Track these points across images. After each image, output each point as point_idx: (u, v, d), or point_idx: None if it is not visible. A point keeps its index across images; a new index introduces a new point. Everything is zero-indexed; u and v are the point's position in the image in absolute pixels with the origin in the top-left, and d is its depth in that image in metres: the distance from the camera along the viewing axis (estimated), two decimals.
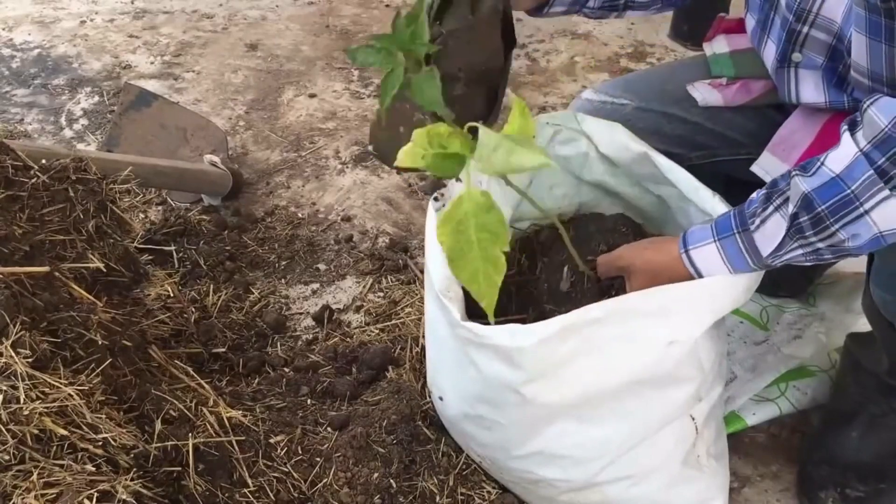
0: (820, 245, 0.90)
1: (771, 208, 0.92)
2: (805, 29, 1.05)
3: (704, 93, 1.25)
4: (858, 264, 1.37)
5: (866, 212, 0.85)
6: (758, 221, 0.93)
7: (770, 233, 0.92)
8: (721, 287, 0.97)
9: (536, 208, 1.05)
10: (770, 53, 1.14)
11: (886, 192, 0.83)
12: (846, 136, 0.87)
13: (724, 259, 0.97)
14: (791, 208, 0.89)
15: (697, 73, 1.27)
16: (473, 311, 1.08)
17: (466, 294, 1.08)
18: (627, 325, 0.97)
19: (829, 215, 0.86)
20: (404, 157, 0.82)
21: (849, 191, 0.85)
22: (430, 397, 1.31)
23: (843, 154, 0.86)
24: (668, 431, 1.05)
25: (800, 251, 0.91)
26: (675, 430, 1.06)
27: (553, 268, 1.18)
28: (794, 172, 0.91)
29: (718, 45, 1.27)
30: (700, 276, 0.98)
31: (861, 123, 0.86)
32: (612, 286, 1.10)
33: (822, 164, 0.88)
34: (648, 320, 0.96)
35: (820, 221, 0.87)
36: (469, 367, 1.05)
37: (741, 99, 1.24)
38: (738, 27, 1.23)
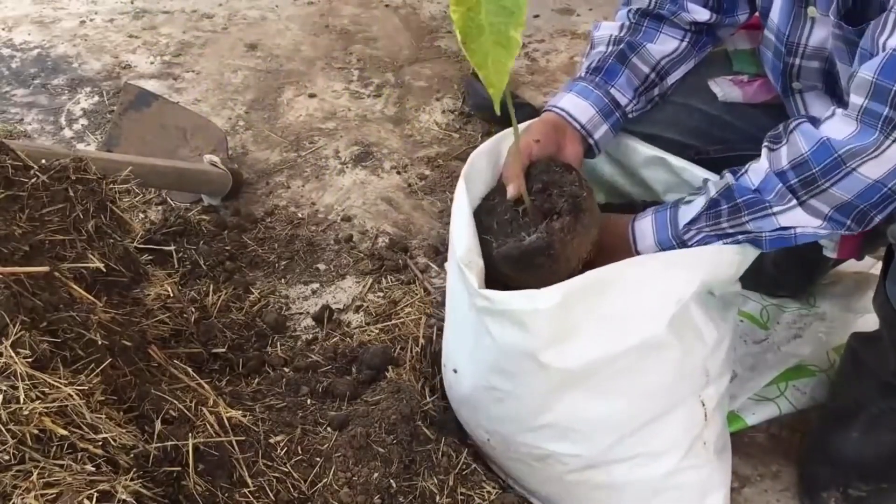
0: (730, 230, 1.03)
1: (700, 193, 1.08)
2: (797, 61, 1.10)
3: (725, 88, 1.25)
4: (859, 264, 1.37)
5: (774, 213, 0.99)
6: (687, 198, 1.09)
7: (691, 207, 1.06)
8: (708, 254, 1.05)
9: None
10: (770, 77, 1.17)
11: (794, 203, 0.98)
12: (765, 152, 1.01)
13: (654, 227, 1.10)
14: (713, 193, 1.03)
15: (719, 67, 1.27)
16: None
17: (486, 266, 1.10)
18: (636, 282, 1.01)
19: (744, 207, 1.01)
20: None
21: (763, 198, 1.00)
22: (429, 397, 1.31)
23: (761, 168, 1.00)
24: (679, 414, 1.06)
25: (710, 231, 1.05)
26: (685, 412, 1.07)
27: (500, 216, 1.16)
28: (726, 171, 1.06)
29: (741, 42, 1.27)
30: (635, 242, 1.11)
31: (783, 143, 0.98)
32: (555, 211, 1.07)
33: (746, 172, 1.02)
34: (655, 279, 1.01)
35: (737, 210, 1.01)
36: (485, 336, 1.05)
37: (762, 97, 1.24)
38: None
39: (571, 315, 0.99)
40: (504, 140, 1.19)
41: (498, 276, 1.12)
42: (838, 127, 0.93)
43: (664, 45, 1.20)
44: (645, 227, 1.11)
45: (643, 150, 1.23)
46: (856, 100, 0.91)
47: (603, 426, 1.06)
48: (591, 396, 1.03)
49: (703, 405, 1.08)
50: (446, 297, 1.21)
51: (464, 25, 0.74)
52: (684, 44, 1.21)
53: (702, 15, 1.18)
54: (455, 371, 1.19)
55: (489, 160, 1.17)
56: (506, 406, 1.10)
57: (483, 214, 1.15)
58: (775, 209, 0.99)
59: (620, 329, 1.00)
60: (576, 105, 1.18)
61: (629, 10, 1.22)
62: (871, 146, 0.89)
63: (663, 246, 1.09)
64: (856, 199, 0.94)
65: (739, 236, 1.04)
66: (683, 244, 1.07)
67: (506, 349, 1.04)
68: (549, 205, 1.07)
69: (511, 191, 1.10)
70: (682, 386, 1.06)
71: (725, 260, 1.04)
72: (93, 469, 0.91)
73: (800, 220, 0.98)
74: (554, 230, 1.04)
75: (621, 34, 1.21)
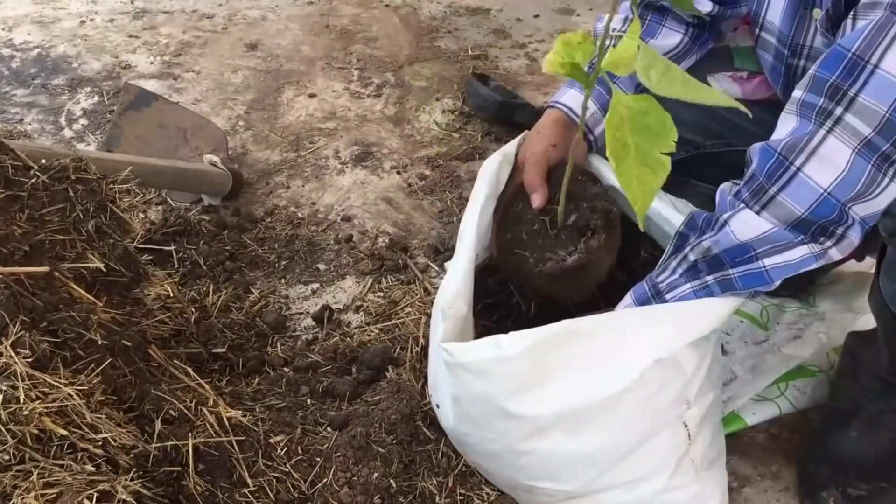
0: (691, 256, 0.99)
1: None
2: (801, 62, 1.09)
3: (724, 84, 1.26)
4: (859, 265, 1.37)
5: (726, 220, 0.96)
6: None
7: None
8: (692, 311, 1.01)
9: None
10: (769, 79, 1.17)
11: (743, 207, 0.95)
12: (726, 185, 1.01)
13: (633, 293, 1.06)
14: (680, 227, 1.02)
15: (720, 62, 1.27)
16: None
17: (521, 279, 1.12)
18: (613, 336, 0.98)
19: (704, 225, 0.99)
20: (548, 64, 0.82)
21: (719, 215, 0.97)
22: (430, 399, 1.31)
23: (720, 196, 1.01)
24: (660, 439, 1.05)
25: (677, 264, 1.01)
26: (667, 437, 1.06)
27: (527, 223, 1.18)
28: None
29: (742, 38, 1.27)
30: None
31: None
32: (589, 228, 1.09)
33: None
34: (637, 337, 0.98)
35: (700, 233, 0.99)
36: (451, 388, 1.06)
37: (761, 94, 1.24)
38: None
39: (542, 363, 0.98)
40: (504, 164, 1.19)
41: (532, 287, 1.15)
42: (781, 128, 0.93)
43: (666, 39, 1.21)
44: (626, 300, 1.08)
45: (607, 177, 1.22)
46: (796, 94, 0.91)
47: (583, 463, 1.05)
48: (567, 437, 1.02)
49: (686, 426, 1.07)
50: (430, 332, 1.21)
51: (612, 146, 0.74)
52: (686, 38, 1.21)
53: (705, 6, 1.19)
54: (438, 406, 1.19)
55: (491, 186, 1.19)
56: (484, 448, 1.11)
57: (511, 224, 1.17)
58: (725, 216, 0.96)
59: (593, 380, 0.99)
60: (578, 101, 1.19)
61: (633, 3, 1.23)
62: (804, 136, 0.88)
63: (639, 299, 1.06)
64: (809, 215, 0.90)
65: (706, 275, 0.99)
66: (655, 287, 1.04)
67: (472, 400, 1.04)
68: (584, 221, 1.10)
69: (536, 201, 1.11)
70: (661, 417, 1.05)
71: (711, 317, 1.01)
72: (93, 469, 0.91)
73: (750, 226, 0.94)
74: (592, 249, 1.08)
75: (624, 28, 1.21)
